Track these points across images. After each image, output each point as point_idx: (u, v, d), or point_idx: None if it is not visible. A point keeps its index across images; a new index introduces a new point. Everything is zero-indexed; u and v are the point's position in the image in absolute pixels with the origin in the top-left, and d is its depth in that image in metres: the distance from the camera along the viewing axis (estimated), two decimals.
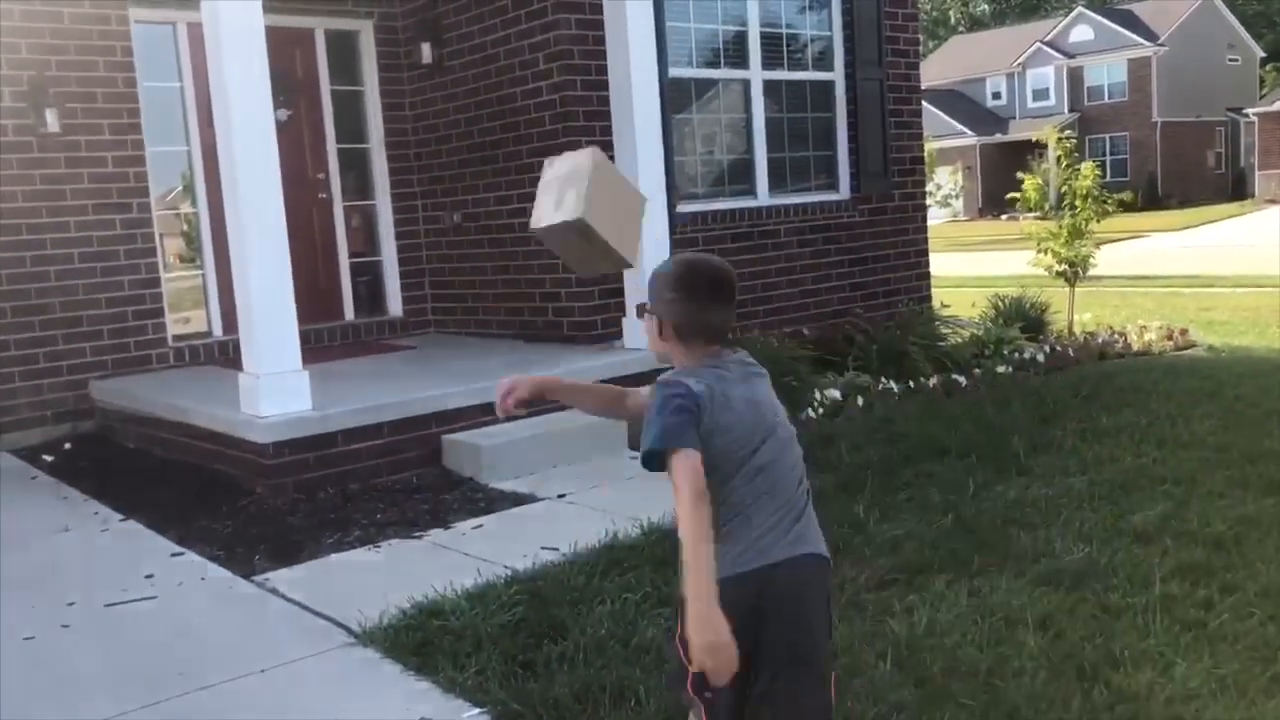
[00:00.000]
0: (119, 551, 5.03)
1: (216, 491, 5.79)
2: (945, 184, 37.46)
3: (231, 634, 3.97)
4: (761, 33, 8.53)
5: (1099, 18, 48.31)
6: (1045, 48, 48.73)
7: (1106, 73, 47.65)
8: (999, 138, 48.24)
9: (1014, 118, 49.56)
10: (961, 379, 7.64)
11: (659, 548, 4.39)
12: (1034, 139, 12.67)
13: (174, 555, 4.90)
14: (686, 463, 2.11)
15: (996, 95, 50.73)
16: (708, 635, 2.01)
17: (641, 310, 2.41)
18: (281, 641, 3.87)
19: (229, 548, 4.94)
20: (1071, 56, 48.28)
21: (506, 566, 4.37)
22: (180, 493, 5.84)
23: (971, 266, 21.91)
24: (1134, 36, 46.84)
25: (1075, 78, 48.50)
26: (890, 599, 3.80)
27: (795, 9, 8.87)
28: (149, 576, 4.60)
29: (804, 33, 8.94)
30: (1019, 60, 49.61)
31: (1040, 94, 49.19)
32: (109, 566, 4.80)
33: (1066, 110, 48.00)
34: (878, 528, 4.50)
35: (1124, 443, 5.79)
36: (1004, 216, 43.10)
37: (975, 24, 66.46)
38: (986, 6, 69.84)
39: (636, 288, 7.11)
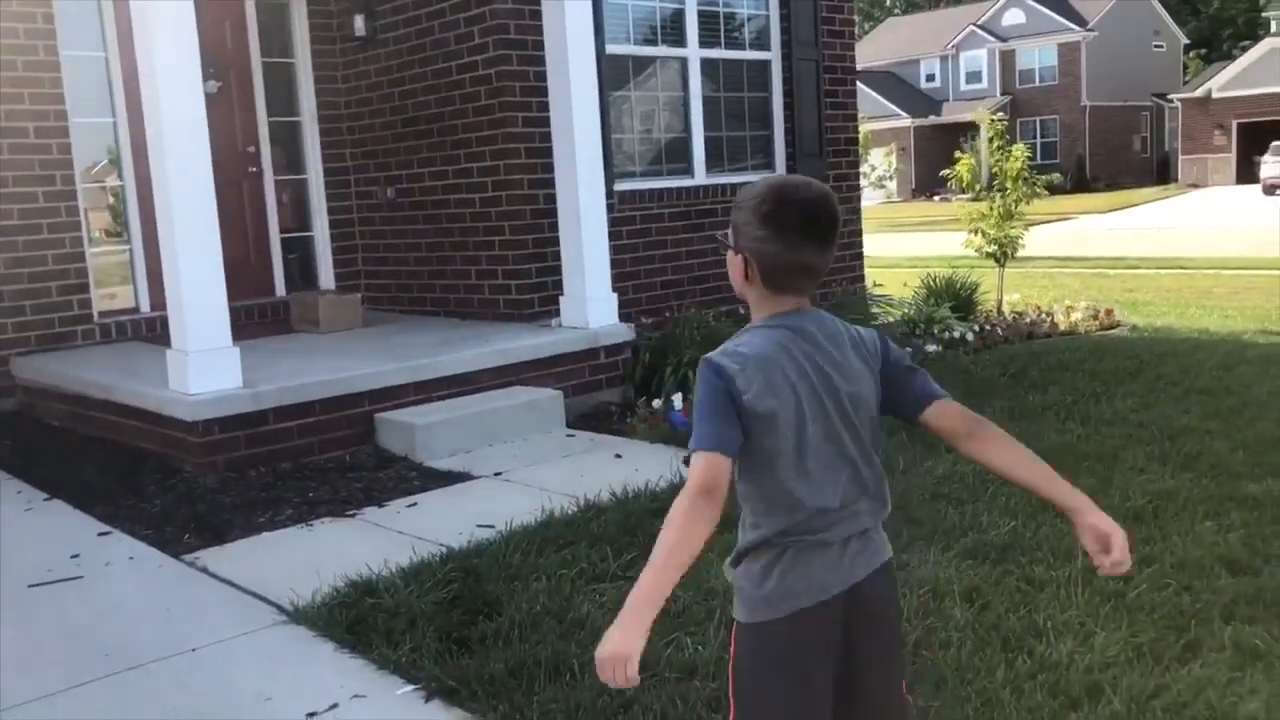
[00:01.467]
0: (43, 531, 4.92)
1: (144, 470, 5.68)
2: (879, 165, 37.86)
3: (161, 613, 3.92)
4: (699, 10, 8.53)
5: (1031, 2, 49.01)
6: (978, 30, 49.34)
7: (1038, 56, 48.41)
8: (933, 120, 48.82)
9: (947, 100, 50.17)
10: None
11: (595, 524, 4.41)
12: (970, 120, 12.84)
13: (101, 535, 4.81)
14: (702, 459, 1.88)
15: (930, 78, 51.30)
16: (619, 646, 1.78)
17: (722, 244, 2.07)
18: (212, 620, 3.82)
19: (158, 527, 4.86)
20: (1004, 40, 48.95)
21: (441, 544, 4.36)
22: (107, 472, 5.73)
23: (904, 247, 22.21)
24: (1064, 21, 47.61)
25: (1007, 61, 49.20)
26: None
27: None
28: (75, 556, 4.51)
29: (741, 11, 8.95)
30: (952, 43, 50.18)
31: (973, 76, 49.84)
32: (33, 546, 4.69)
33: (999, 93, 48.69)
34: None
35: (1050, 420, 5.93)
36: (936, 198, 43.72)
37: (911, 6, 67.03)
38: None
39: (576, 265, 7.11)
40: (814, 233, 1.96)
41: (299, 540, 4.64)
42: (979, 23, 49.74)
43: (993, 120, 10.22)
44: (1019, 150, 9.95)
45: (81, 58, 7.57)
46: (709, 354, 1.96)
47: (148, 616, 3.90)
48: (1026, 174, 9.84)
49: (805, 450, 1.95)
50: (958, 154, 10.45)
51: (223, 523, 4.87)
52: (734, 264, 2.02)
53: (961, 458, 5.17)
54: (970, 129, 45.84)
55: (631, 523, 4.39)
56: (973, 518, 4.36)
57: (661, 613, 3.54)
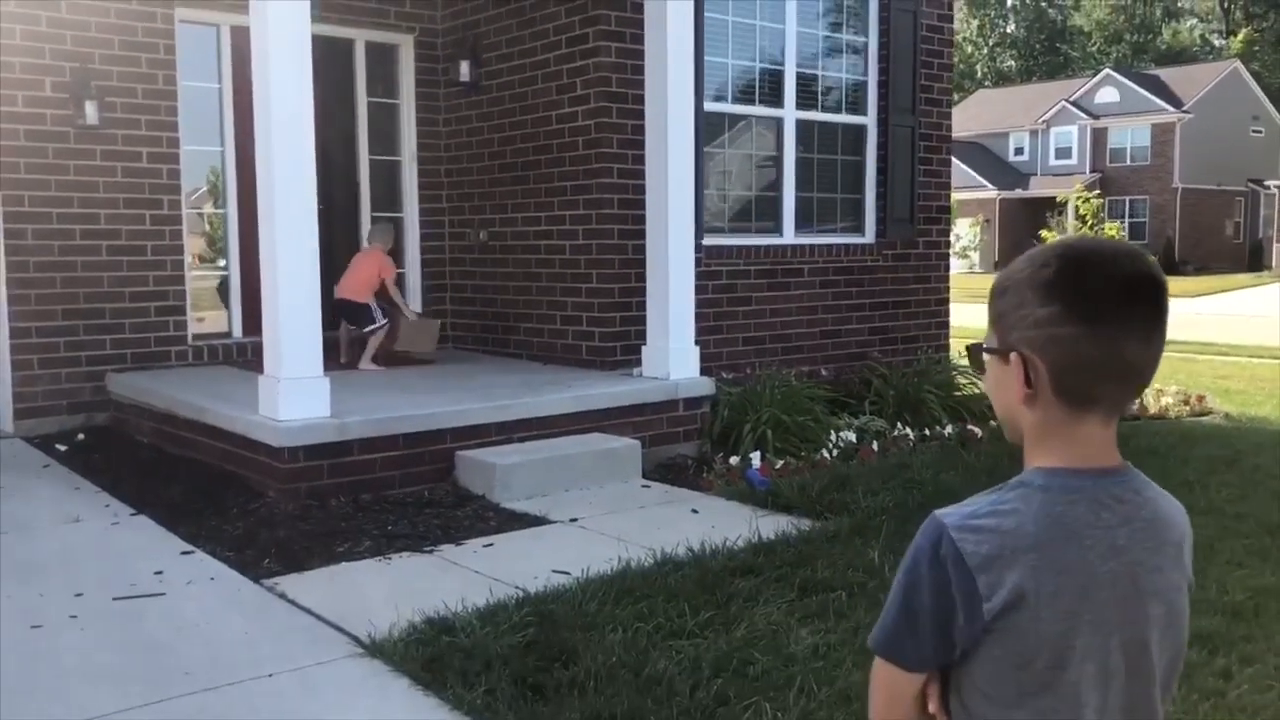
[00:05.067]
0: (129, 545, 5.01)
1: (228, 492, 5.77)
2: (964, 235, 37.56)
3: (239, 636, 3.95)
4: (797, 73, 8.58)
5: (1126, 81, 48.53)
6: (1070, 106, 48.92)
7: (1130, 136, 47.77)
8: (1019, 193, 48.35)
9: (1035, 174, 49.69)
10: (977, 430, 7.62)
11: (672, 579, 4.36)
12: (1057, 197, 12.71)
13: (184, 553, 4.88)
14: (882, 677, 1.42)
15: (1019, 150, 50.89)
16: None
17: (979, 356, 1.45)
18: (289, 647, 3.84)
19: (239, 549, 4.92)
20: (1096, 117, 48.44)
21: (517, 587, 4.35)
22: (192, 491, 5.83)
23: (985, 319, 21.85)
24: (1160, 102, 47.01)
25: (1099, 138, 48.65)
26: None
27: (832, 51, 8.92)
28: (158, 573, 4.58)
29: (839, 75, 8.97)
30: (1043, 117, 49.80)
31: (1063, 152, 49.32)
32: (118, 560, 4.78)
33: (1088, 170, 48.10)
34: (892, 573, 4.44)
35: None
36: None
37: (1001, 78, 66.82)
38: (1013, 63, 70.22)
39: (660, 317, 7.12)
40: (1137, 310, 1.31)
41: (377, 573, 4.66)
42: (1071, 99, 49.33)
43: (1087, 198, 10.06)
44: (1111, 230, 9.79)
45: (197, 88, 7.84)
46: (943, 513, 1.36)
47: (226, 638, 3.93)
48: None
49: (1060, 698, 1.32)
50: (1044, 231, 10.31)
51: (303, 550, 4.92)
52: (1002, 375, 1.38)
53: None
54: (1056, 204, 45.34)
55: (709, 580, 4.34)
56: None
57: (741, 676, 3.51)
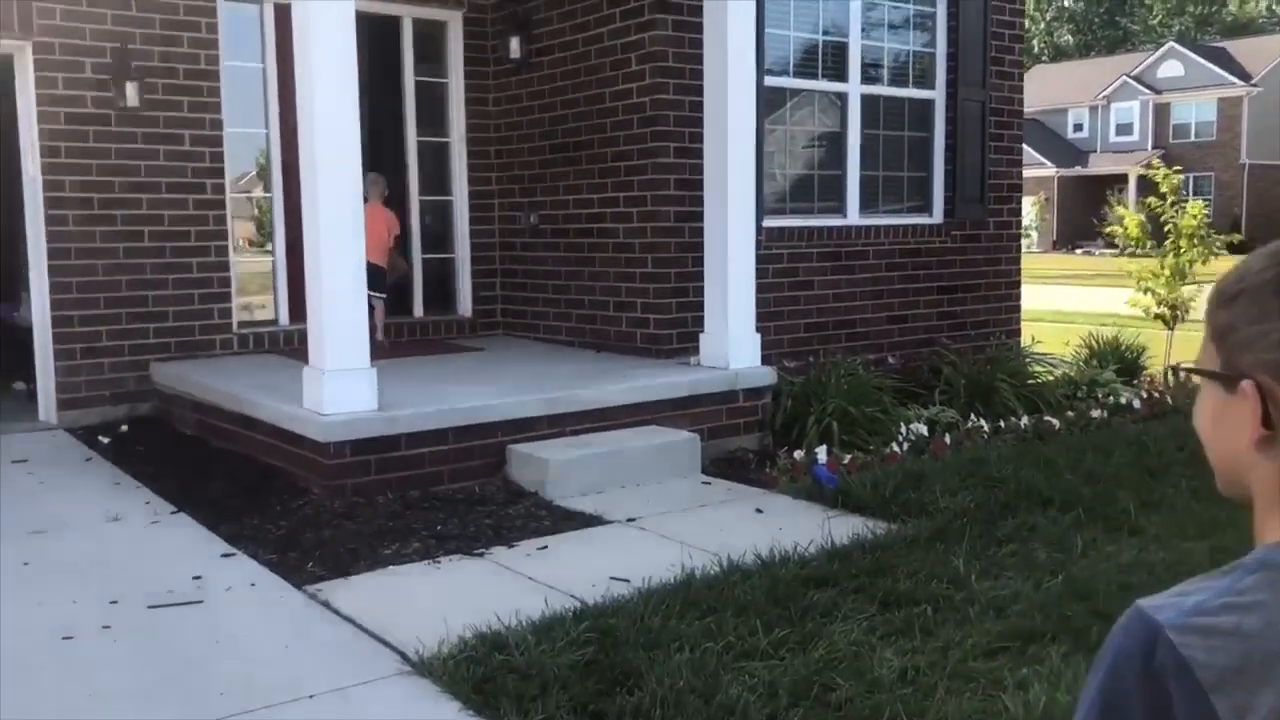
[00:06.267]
0: (168, 547, 4.79)
1: (272, 488, 5.55)
2: (1025, 215, 36.71)
3: (279, 651, 3.70)
4: (863, 45, 8.17)
5: (1190, 54, 47.14)
6: (1132, 82, 47.65)
7: (1195, 110, 46.44)
8: (1078, 170, 47.27)
9: (1095, 151, 48.54)
10: (1055, 421, 7.20)
11: (740, 589, 4.05)
12: (1129, 173, 12.12)
13: (224, 556, 4.65)
14: None
15: (1078, 127, 49.71)
16: None
17: (1180, 371, 1.17)
18: (332, 664, 3.58)
19: (282, 551, 4.68)
20: (1159, 92, 47.15)
21: (574, 596, 4.06)
22: (234, 487, 5.61)
23: (1047, 300, 21.28)
24: (1226, 75, 45.62)
25: (1161, 114, 47.36)
26: (1000, 670, 3.42)
27: (899, 22, 8.49)
28: (197, 578, 4.35)
29: (905, 47, 8.55)
30: (1104, 93, 48.58)
31: (1124, 128, 48.09)
32: (156, 563, 4.56)
33: (1150, 146, 46.86)
34: (980, 585, 4.11)
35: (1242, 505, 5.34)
36: (1079, 251, 42.19)
37: (1058, 53, 65.31)
38: (1070, 38, 68.60)
39: (719, 303, 6.79)
40: None
41: (425, 579, 4.39)
42: (1133, 73, 48.02)
43: (1166, 174, 9.55)
44: (1195, 207, 9.30)
45: (240, 68, 7.60)
46: (1151, 604, 1.01)
47: (266, 653, 3.68)
48: (1204, 232, 9.16)
49: None
50: (1120, 209, 9.82)
51: (347, 552, 4.67)
52: (1225, 409, 1.05)
53: (1147, 543, 4.70)
54: (1118, 182, 44.10)
55: (780, 592, 4.02)
56: None
57: (822, 704, 3.19)
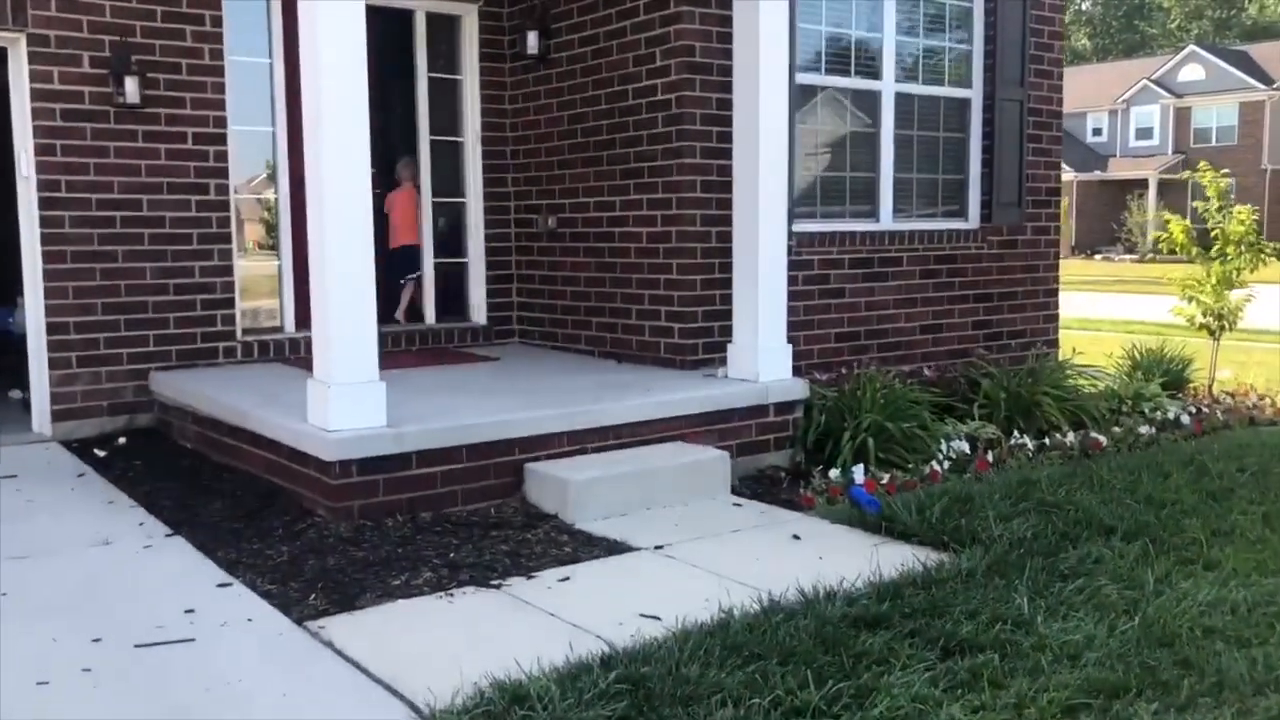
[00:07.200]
0: (160, 575, 4.43)
1: (273, 510, 5.20)
2: None
3: (276, 699, 3.33)
4: (897, 41, 7.79)
5: (1212, 57, 46.59)
6: (1152, 85, 47.14)
7: (1216, 115, 45.91)
8: (1097, 175, 46.77)
9: (1114, 155, 48.02)
10: (1101, 438, 6.81)
11: (784, 631, 3.67)
12: (1186, 177, 11.67)
13: (220, 585, 4.29)
14: None
15: (1097, 131, 49.22)
16: None
17: None
18: (335, 715, 3.22)
19: (282, 581, 4.32)
20: (1179, 96, 46.63)
21: (600, 637, 3.70)
22: (234, 507, 5.26)
23: (1070, 308, 20.86)
24: (1248, 79, 45.08)
25: (1181, 118, 46.84)
26: None
27: (933, 18, 8.10)
28: (189, 611, 3.99)
29: (941, 44, 8.16)
30: (1123, 96, 48.08)
31: (1144, 132, 47.58)
32: (146, 594, 4.20)
33: (1170, 151, 46.36)
34: (1048, 627, 3.73)
35: None
36: (1098, 257, 41.67)
37: (1075, 57, 64.74)
38: (1087, 41, 68.04)
39: (748, 311, 6.44)
40: None
41: (437, 615, 4.03)
42: (1153, 77, 47.50)
43: (1214, 176, 9.15)
44: (1243, 212, 8.89)
45: (246, 63, 7.26)
46: None
47: (261, 702, 3.31)
48: (1253, 238, 8.75)
49: None
50: (1167, 217, 9.41)
51: (353, 582, 4.31)
52: None
53: (1224, 578, 4.32)
54: (1138, 186, 43.49)
55: (829, 635, 3.64)
56: (1265, 667, 3.47)
57: None
